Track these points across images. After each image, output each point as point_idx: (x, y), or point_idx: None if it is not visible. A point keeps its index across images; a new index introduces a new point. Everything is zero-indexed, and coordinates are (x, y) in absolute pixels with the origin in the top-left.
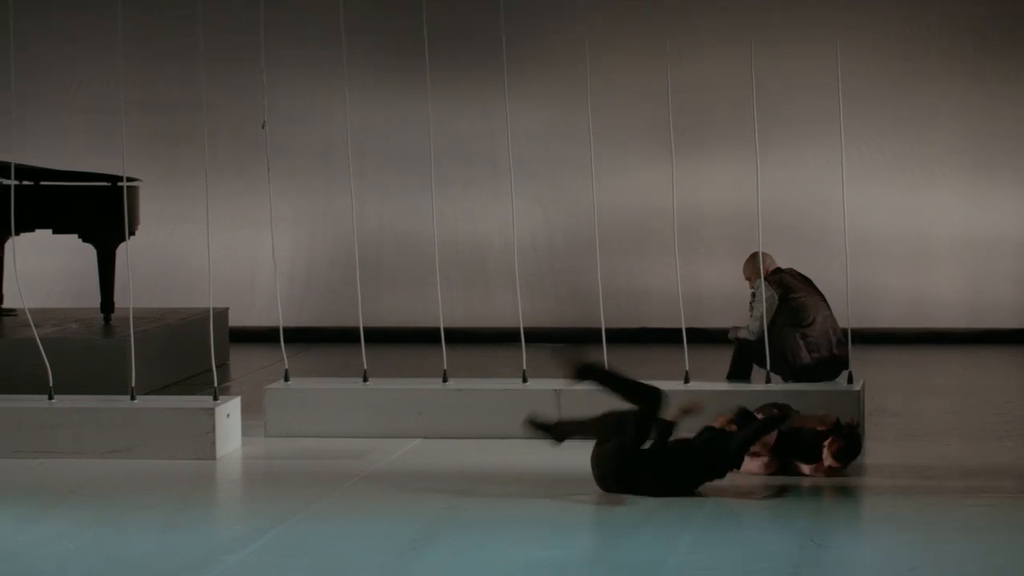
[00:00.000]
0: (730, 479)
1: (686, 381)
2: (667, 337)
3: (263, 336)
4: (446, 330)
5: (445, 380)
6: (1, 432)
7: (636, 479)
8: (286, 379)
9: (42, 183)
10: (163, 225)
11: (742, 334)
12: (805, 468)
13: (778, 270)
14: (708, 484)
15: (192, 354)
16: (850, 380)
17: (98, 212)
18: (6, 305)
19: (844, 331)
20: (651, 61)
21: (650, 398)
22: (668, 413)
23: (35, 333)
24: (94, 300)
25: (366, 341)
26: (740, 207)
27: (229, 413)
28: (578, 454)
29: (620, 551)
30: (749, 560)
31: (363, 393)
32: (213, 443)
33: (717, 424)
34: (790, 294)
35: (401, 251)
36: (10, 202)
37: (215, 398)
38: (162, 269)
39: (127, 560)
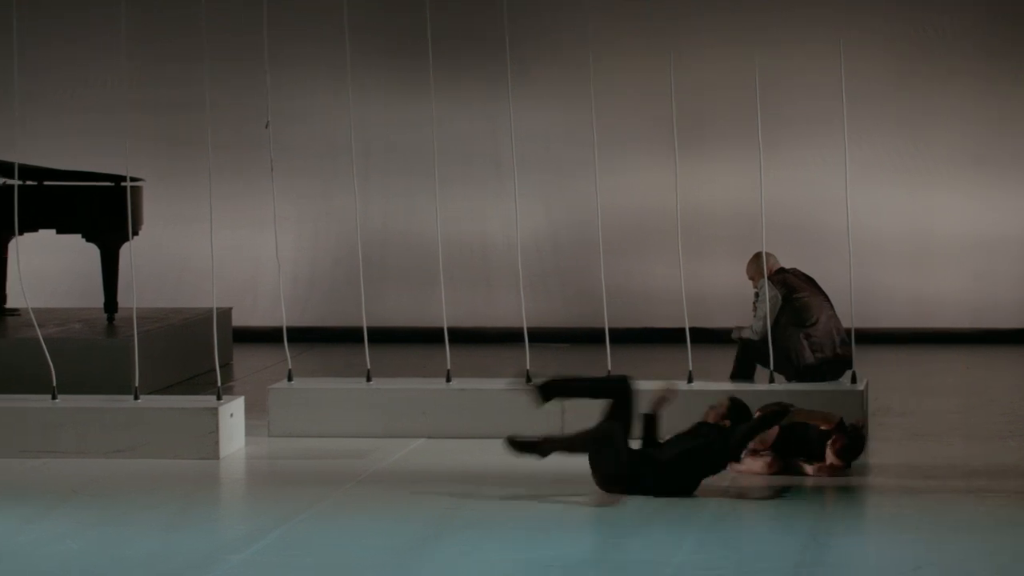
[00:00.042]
0: (732, 479)
1: (689, 381)
2: (671, 337)
3: (266, 336)
4: (449, 330)
5: (448, 380)
6: (5, 432)
7: (637, 481)
8: (289, 379)
9: (46, 183)
10: (166, 225)
11: (745, 334)
12: (808, 468)
13: (782, 270)
14: (711, 484)
15: (195, 354)
16: (854, 380)
17: (102, 212)
18: (10, 305)
19: (848, 331)
20: (652, 61)
21: (618, 388)
22: (647, 406)
23: (39, 333)
24: (97, 300)
25: (369, 341)
26: (743, 207)
27: (232, 413)
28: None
29: (623, 551)
30: (752, 560)
31: (366, 393)
32: (217, 443)
33: (710, 419)
34: (794, 294)
35: (404, 251)
36: (14, 202)
37: (219, 398)
38: (165, 269)
39: (130, 560)
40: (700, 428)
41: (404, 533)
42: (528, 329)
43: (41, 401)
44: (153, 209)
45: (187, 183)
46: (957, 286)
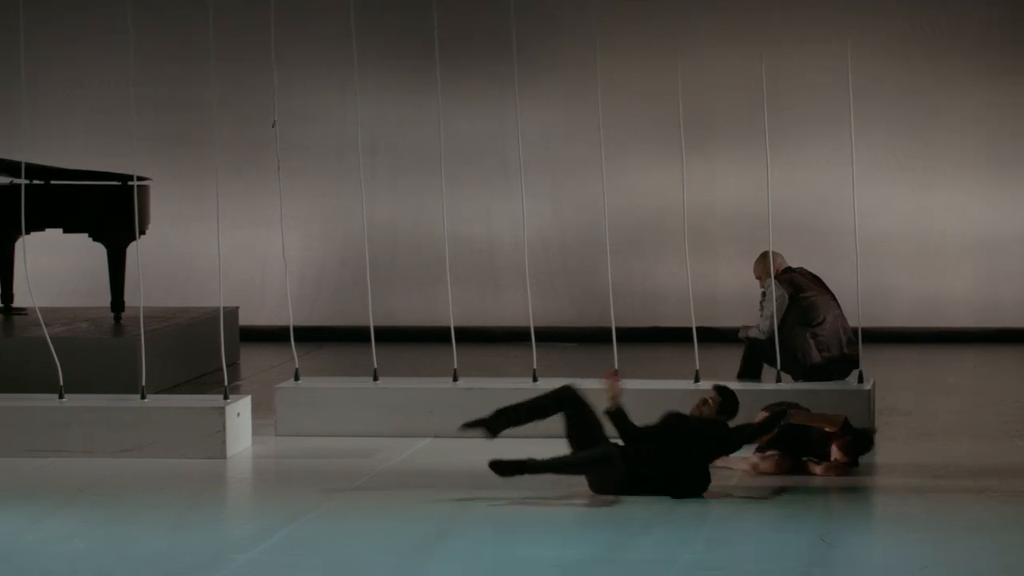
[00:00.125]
0: (739, 478)
1: (696, 380)
2: (678, 336)
3: (273, 335)
4: (456, 329)
5: (455, 379)
6: (12, 431)
7: (644, 483)
8: (296, 378)
9: (52, 182)
10: (173, 224)
11: (752, 333)
12: (816, 468)
13: (788, 269)
14: (717, 486)
15: (202, 353)
16: (860, 379)
17: (108, 211)
18: (17, 304)
19: (854, 330)
20: (656, 61)
21: (562, 398)
22: (606, 404)
23: (45, 332)
24: (104, 299)
25: (376, 340)
26: (750, 207)
27: (239, 412)
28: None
29: (632, 550)
30: (759, 560)
31: (373, 392)
32: (223, 442)
33: (703, 414)
34: (800, 293)
35: (412, 250)
36: (20, 201)
37: (225, 397)
38: (172, 268)
39: (137, 559)
40: (668, 420)
41: (411, 533)
42: (535, 329)
43: (48, 400)
44: (160, 208)
45: (195, 183)
46: (964, 285)
